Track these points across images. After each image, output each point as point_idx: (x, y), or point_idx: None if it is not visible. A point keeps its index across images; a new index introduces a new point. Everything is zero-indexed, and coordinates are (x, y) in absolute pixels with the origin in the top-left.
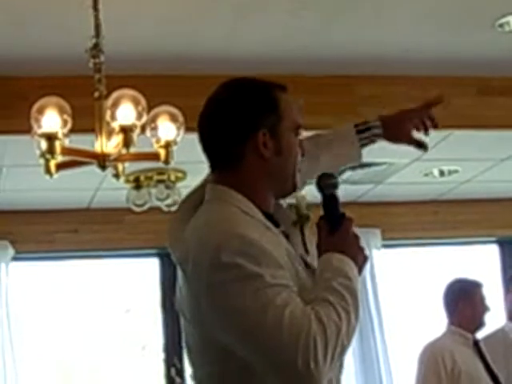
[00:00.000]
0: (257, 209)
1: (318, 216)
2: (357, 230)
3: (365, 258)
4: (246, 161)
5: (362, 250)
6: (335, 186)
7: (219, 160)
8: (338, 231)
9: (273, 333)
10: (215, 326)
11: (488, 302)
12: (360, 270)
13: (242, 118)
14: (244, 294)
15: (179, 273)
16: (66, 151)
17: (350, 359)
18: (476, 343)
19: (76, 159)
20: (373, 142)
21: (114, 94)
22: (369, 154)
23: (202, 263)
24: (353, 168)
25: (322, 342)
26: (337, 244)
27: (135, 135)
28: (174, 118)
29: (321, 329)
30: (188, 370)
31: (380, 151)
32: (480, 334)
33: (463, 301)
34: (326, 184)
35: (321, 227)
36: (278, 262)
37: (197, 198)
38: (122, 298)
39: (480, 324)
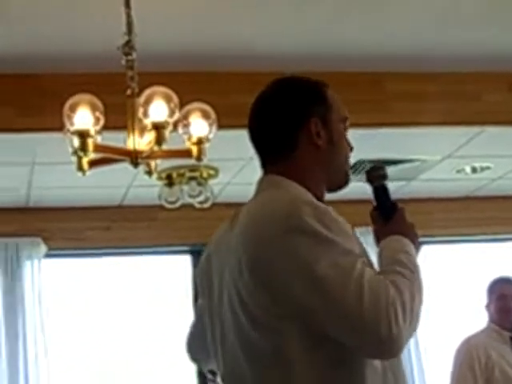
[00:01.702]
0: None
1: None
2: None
3: (419, 245)
4: (300, 149)
5: (417, 236)
6: (384, 177)
7: (273, 151)
8: (393, 219)
9: (355, 300)
10: (292, 295)
11: (509, 298)
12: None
13: (295, 107)
14: (324, 259)
15: (225, 276)
16: (98, 148)
17: None
18: None
19: (108, 156)
20: None
21: (147, 92)
22: (401, 150)
23: (272, 236)
24: (385, 164)
25: (400, 307)
26: (393, 230)
27: (167, 132)
28: (206, 115)
29: (398, 294)
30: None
31: (413, 148)
32: None
33: (489, 298)
34: (376, 176)
35: (374, 218)
36: (349, 233)
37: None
38: (155, 295)
39: (502, 321)
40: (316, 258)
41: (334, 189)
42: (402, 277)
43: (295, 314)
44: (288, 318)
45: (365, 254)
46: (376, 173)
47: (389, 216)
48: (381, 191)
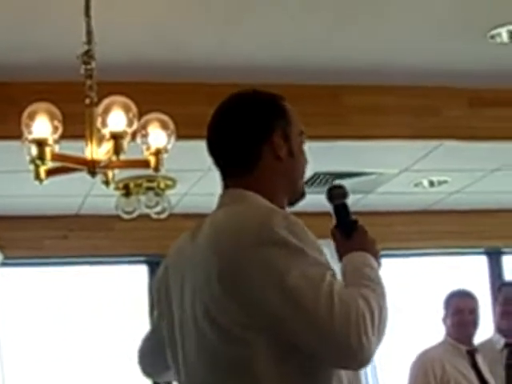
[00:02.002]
0: None
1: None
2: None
3: (380, 260)
4: (263, 162)
5: (378, 252)
6: (345, 195)
7: (235, 164)
8: (354, 236)
9: (325, 311)
10: (262, 306)
11: (466, 312)
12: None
13: (258, 121)
14: (294, 270)
15: (186, 282)
16: (56, 157)
17: None
18: (470, 353)
19: (66, 165)
20: None
21: (105, 101)
22: (359, 163)
23: (243, 247)
24: (342, 177)
25: (369, 319)
26: (356, 246)
27: (125, 142)
28: (164, 126)
29: (367, 306)
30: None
31: (370, 161)
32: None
33: (445, 311)
34: (336, 194)
35: (335, 235)
36: (317, 244)
37: (187, 234)
38: (110, 305)
39: (459, 335)
40: (287, 268)
41: (292, 202)
42: (369, 289)
43: (264, 325)
44: (256, 329)
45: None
46: (336, 191)
47: (350, 233)
48: (341, 209)
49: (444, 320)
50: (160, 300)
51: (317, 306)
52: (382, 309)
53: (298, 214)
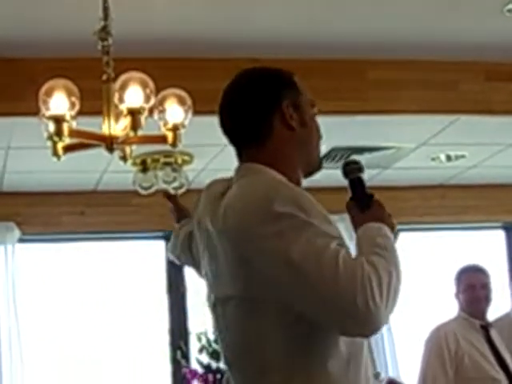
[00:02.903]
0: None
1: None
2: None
3: (397, 233)
4: (275, 134)
5: (394, 225)
6: (360, 169)
7: (247, 138)
8: (371, 208)
9: (330, 279)
10: (269, 280)
11: (478, 287)
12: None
13: (266, 92)
14: (299, 243)
15: (209, 245)
16: (73, 133)
17: None
18: (484, 327)
19: (83, 141)
20: None
21: (122, 77)
22: (376, 138)
23: (251, 218)
24: (360, 152)
25: (376, 283)
26: (372, 217)
27: (143, 118)
28: (181, 101)
29: (373, 270)
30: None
31: (387, 135)
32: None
33: (457, 287)
34: (352, 169)
35: (351, 208)
36: (325, 216)
37: (223, 185)
38: (128, 281)
39: (472, 310)
40: (293, 240)
41: (308, 173)
42: (379, 257)
43: (272, 296)
44: (264, 301)
45: (341, 238)
46: (352, 166)
47: (365, 206)
48: (357, 183)
49: (456, 295)
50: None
51: (321, 272)
52: (392, 277)
53: (316, 189)
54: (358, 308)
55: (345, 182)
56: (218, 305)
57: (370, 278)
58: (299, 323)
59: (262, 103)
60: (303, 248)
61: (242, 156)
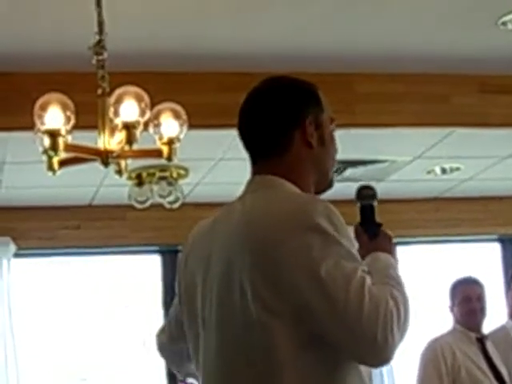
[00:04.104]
0: None
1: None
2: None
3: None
4: (294, 149)
5: (397, 260)
6: (373, 196)
7: (266, 150)
8: (379, 237)
9: (355, 306)
10: (292, 290)
11: (474, 299)
12: None
13: (292, 106)
14: (328, 262)
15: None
16: (68, 148)
17: None
18: (479, 340)
19: (79, 156)
20: None
21: (117, 91)
22: (371, 151)
23: (283, 229)
24: (355, 165)
25: (396, 317)
26: (380, 247)
27: (138, 132)
28: (176, 115)
29: (395, 306)
30: None
31: (382, 149)
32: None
33: (452, 300)
34: (365, 195)
35: (359, 233)
36: (351, 236)
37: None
38: (124, 295)
39: (467, 323)
40: (322, 257)
41: (319, 191)
42: (395, 290)
43: (292, 312)
44: (283, 317)
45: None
46: (367, 192)
47: (373, 234)
48: (368, 210)
49: (451, 308)
50: (180, 290)
51: (347, 297)
52: (407, 310)
53: None
54: (376, 341)
55: (341, 195)
56: (219, 317)
57: (391, 311)
58: (315, 347)
59: (285, 116)
60: (332, 268)
61: (256, 165)
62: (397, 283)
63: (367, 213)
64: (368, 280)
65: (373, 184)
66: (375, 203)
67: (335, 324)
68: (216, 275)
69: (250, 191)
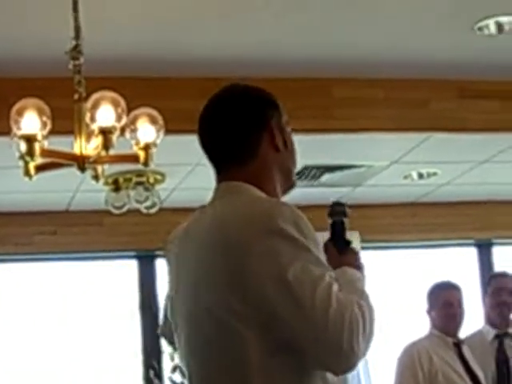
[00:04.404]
0: None
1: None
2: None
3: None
4: (261, 154)
5: (365, 276)
6: (345, 213)
7: (230, 156)
8: (347, 253)
9: (321, 310)
10: (258, 295)
11: (456, 304)
12: None
13: (255, 111)
14: (295, 266)
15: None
16: (45, 153)
17: None
18: (456, 345)
19: (55, 161)
20: None
21: (94, 96)
22: (348, 156)
23: (250, 233)
24: (331, 170)
25: (361, 325)
26: (348, 262)
27: (115, 137)
28: (153, 120)
29: (360, 313)
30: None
31: (359, 153)
32: (460, 336)
33: (430, 304)
34: (337, 211)
35: (328, 248)
36: (318, 241)
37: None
38: (100, 300)
39: (447, 328)
40: (289, 262)
41: (285, 192)
42: (362, 300)
43: (259, 317)
44: (250, 321)
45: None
46: (338, 208)
47: (342, 250)
48: (338, 226)
49: (429, 312)
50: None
51: (313, 303)
52: (372, 320)
53: None
54: (342, 347)
55: (318, 200)
56: (193, 319)
57: (357, 320)
58: (284, 352)
59: (249, 121)
60: (299, 273)
61: (220, 173)
62: (362, 295)
63: (338, 229)
64: (335, 286)
65: (350, 189)
66: (346, 220)
67: (301, 329)
68: (190, 280)
69: (217, 198)
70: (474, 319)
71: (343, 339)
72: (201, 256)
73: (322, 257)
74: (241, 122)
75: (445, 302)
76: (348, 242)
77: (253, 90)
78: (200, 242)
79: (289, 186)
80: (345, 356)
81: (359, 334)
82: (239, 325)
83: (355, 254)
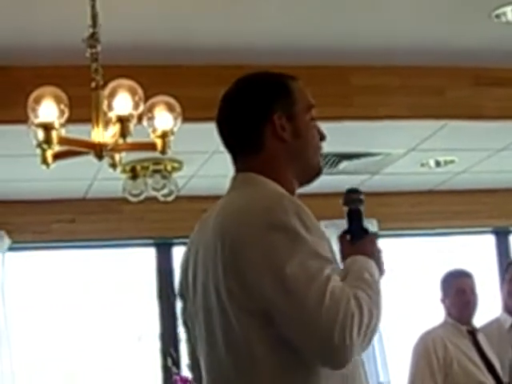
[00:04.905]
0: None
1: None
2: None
3: (384, 271)
4: (267, 145)
5: (383, 263)
6: (360, 201)
7: (242, 148)
8: (362, 241)
9: (315, 304)
10: (257, 289)
11: (469, 292)
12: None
13: (257, 103)
14: (292, 260)
15: (202, 258)
16: (62, 141)
17: None
18: (471, 332)
19: (73, 149)
20: None
21: (111, 84)
22: (365, 144)
23: (250, 228)
24: (349, 158)
25: (357, 320)
26: (361, 250)
27: (132, 125)
28: (170, 108)
29: (357, 308)
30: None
31: (376, 141)
32: (477, 324)
33: (444, 292)
34: (352, 199)
35: (342, 240)
36: (322, 234)
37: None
38: (118, 288)
39: (461, 315)
40: (287, 255)
41: (305, 182)
42: (365, 294)
43: (258, 309)
44: (251, 313)
45: (332, 252)
46: (353, 196)
47: (360, 237)
48: (354, 214)
49: (443, 300)
50: (183, 291)
51: (307, 296)
52: (373, 317)
53: (306, 195)
54: (333, 341)
55: (335, 188)
56: (200, 315)
57: (352, 314)
58: (286, 342)
59: (252, 114)
60: (296, 267)
61: (237, 163)
62: (368, 287)
63: (355, 217)
64: (333, 280)
65: (367, 177)
66: (362, 207)
67: (294, 324)
68: (201, 273)
69: (232, 188)
70: (491, 307)
71: (335, 333)
72: (208, 247)
73: (326, 248)
74: (244, 114)
75: (457, 289)
76: (366, 230)
77: (263, 78)
78: (207, 235)
79: (310, 174)
80: (336, 350)
81: (353, 329)
82: (245, 318)
83: (371, 240)
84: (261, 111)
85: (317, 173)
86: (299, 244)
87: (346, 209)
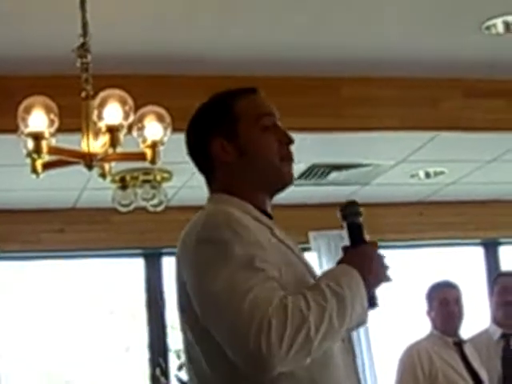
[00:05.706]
0: (251, 206)
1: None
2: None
3: (381, 279)
4: (217, 168)
5: (381, 270)
6: (358, 213)
7: (201, 171)
8: (353, 250)
9: (235, 315)
10: (195, 307)
11: (452, 302)
12: (369, 287)
13: (198, 131)
14: (219, 273)
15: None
16: (52, 151)
17: None
18: (457, 344)
19: (62, 159)
20: None
21: (101, 94)
22: (355, 155)
23: (187, 245)
24: (338, 169)
25: (278, 326)
26: (349, 260)
27: (122, 135)
28: (160, 118)
29: (280, 313)
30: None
31: (366, 152)
32: (465, 335)
33: (429, 304)
34: (349, 212)
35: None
36: (259, 242)
37: None
38: (107, 298)
39: (446, 327)
40: (216, 270)
41: (275, 191)
42: (304, 300)
43: (199, 328)
44: (202, 330)
45: (289, 264)
46: (351, 209)
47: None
48: (353, 228)
49: (428, 313)
50: None
51: (229, 307)
52: (311, 326)
53: (297, 206)
54: (248, 347)
55: (326, 199)
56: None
57: (270, 320)
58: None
59: (195, 141)
60: (221, 281)
61: (208, 184)
62: (322, 297)
63: (353, 232)
64: (259, 288)
65: (357, 188)
66: (361, 219)
67: (222, 336)
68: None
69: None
70: (480, 318)
71: (250, 337)
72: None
73: (264, 257)
74: (192, 142)
75: (441, 300)
76: (367, 243)
77: (202, 107)
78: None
79: (274, 183)
80: (251, 355)
81: (271, 334)
82: (187, 330)
83: (365, 251)
84: (201, 139)
85: (283, 180)
86: (228, 257)
87: (344, 223)
